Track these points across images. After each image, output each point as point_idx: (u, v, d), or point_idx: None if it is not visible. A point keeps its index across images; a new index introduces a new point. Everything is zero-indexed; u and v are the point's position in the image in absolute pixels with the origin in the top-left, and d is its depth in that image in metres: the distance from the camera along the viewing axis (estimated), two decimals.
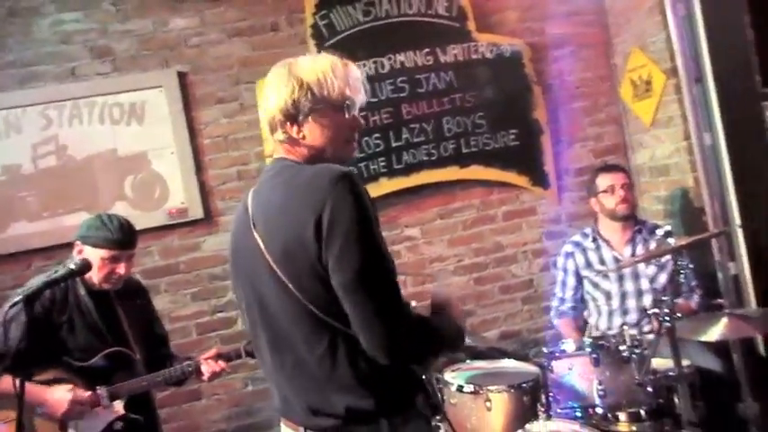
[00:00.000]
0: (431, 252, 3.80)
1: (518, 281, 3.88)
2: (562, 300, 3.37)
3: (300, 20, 3.63)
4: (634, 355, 2.41)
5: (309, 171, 1.52)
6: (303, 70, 1.61)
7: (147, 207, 3.49)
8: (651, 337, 2.43)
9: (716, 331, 2.43)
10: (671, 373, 2.39)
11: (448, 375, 2.99)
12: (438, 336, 1.61)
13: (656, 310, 2.33)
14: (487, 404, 2.79)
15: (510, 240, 3.87)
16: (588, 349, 2.53)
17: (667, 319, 2.28)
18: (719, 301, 3.11)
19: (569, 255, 3.36)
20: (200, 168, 3.55)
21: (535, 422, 2.60)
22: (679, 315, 2.34)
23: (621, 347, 2.45)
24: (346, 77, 1.64)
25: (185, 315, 3.54)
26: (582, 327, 3.37)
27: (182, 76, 3.53)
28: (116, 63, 3.48)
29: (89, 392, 2.38)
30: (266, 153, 3.51)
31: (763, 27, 3.37)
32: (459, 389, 2.87)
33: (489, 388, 2.80)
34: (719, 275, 3.31)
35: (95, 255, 2.39)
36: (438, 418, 1.69)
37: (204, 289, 3.56)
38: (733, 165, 3.28)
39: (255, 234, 1.54)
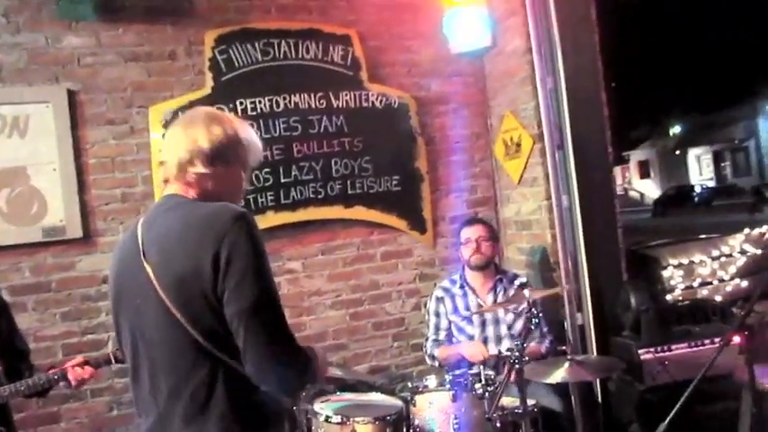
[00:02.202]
0: (310, 286, 3.94)
1: (390, 318, 4.10)
2: (436, 340, 3.57)
3: (199, 51, 3.72)
4: (487, 393, 2.65)
5: (209, 207, 1.63)
6: (240, 128, 1.76)
7: (22, 222, 3.41)
8: (502, 377, 2.68)
9: (558, 374, 2.74)
10: (517, 411, 2.65)
11: (317, 406, 3.10)
12: (312, 366, 1.71)
13: (508, 354, 2.59)
14: None
15: (386, 279, 4.09)
16: (448, 386, 2.75)
17: (516, 361, 2.54)
18: (563, 347, 3.46)
19: (440, 299, 3.60)
20: (82, 187, 3.51)
21: None
22: (527, 359, 2.61)
23: (477, 385, 2.69)
24: (258, 150, 1.82)
25: (52, 335, 3.45)
26: None
27: (71, 94, 3.50)
28: (2, 74, 3.41)
29: None
30: (156, 179, 3.53)
31: (617, 102, 3.84)
32: (327, 419, 2.98)
33: (356, 419, 2.94)
34: (567, 325, 3.67)
35: None
36: None
37: (75, 309, 3.50)
38: (584, 226, 3.66)
39: (145, 264, 1.61)
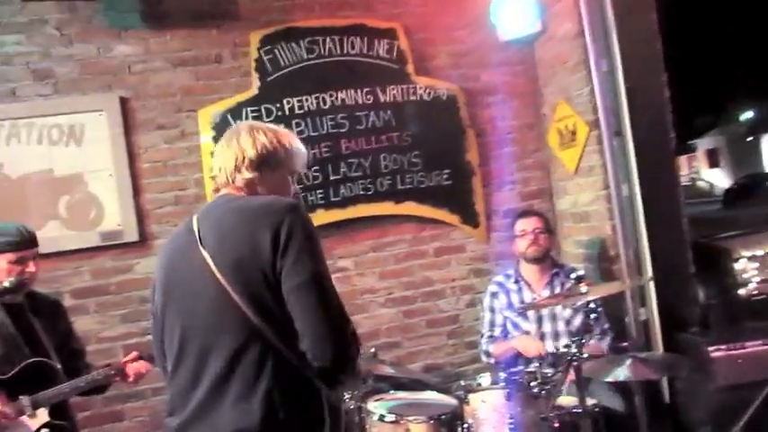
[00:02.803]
0: (362, 284, 3.90)
1: (444, 315, 4.02)
2: (491, 337, 3.49)
3: (244, 53, 3.74)
4: (543, 392, 2.55)
5: (263, 199, 1.77)
6: (282, 135, 1.88)
7: (81, 227, 3.50)
8: (559, 375, 2.57)
9: (619, 372, 2.61)
10: (576, 411, 2.54)
11: (370, 405, 3.07)
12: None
13: (565, 351, 2.48)
14: None
15: (439, 276, 4.01)
16: (502, 384, 2.66)
17: (574, 359, 2.43)
18: (625, 344, 3.30)
19: (494, 294, 3.52)
20: (137, 192, 3.58)
21: None
22: (586, 356, 2.49)
23: (532, 383, 2.59)
24: (304, 159, 1.94)
25: (112, 336, 3.53)
26: None
27: (123, 101, 3.57)
28: (57, 85, 3.51)
29: (12, 403, 2.38)
30: (207, 181, 3.56)
31: (679, 87, 3.64)
32: (381, 418, 2.95)
33: (409, 418, 2.90)
34: (629, 321, 3.50)
35: (2, 261, 2.44)
36: None
37: (134, 311, 3.56)
38: (647, 216, 3.49)
39: (203, 250, 1.68)
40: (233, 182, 1.81)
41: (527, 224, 3.45)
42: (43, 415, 2.43)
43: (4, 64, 3.43)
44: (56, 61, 3.51)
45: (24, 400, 2.41)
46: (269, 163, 1.82)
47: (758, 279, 3.73)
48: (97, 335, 3.49)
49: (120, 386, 2.86)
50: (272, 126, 1.91)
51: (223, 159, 1.83)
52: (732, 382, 2.94)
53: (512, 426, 2.54)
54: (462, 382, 2.81)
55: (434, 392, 3.33)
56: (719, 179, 34.97)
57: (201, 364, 1.67)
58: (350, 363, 1.65)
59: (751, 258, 3.77)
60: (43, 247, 3.33)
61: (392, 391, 3.35)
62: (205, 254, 1.67)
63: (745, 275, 3.74)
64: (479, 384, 2.76)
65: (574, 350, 2.41)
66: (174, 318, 1.74)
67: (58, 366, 2.52)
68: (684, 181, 27.27)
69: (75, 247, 3.49)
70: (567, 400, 2.73)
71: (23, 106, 3.44)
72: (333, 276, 3.75)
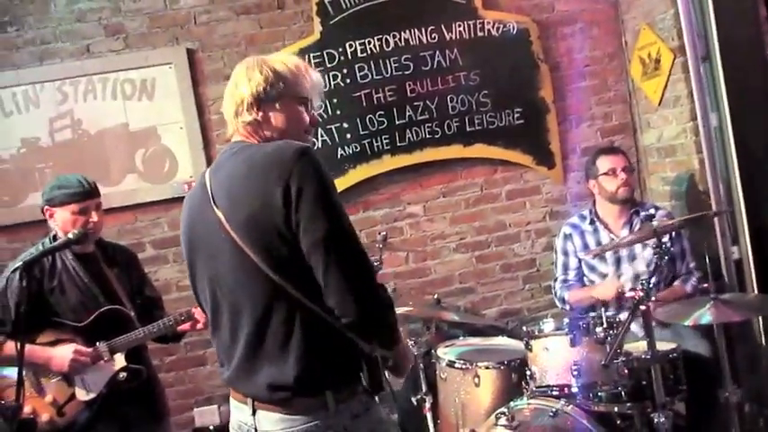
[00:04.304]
0: (433, 229, 3.83)
1: (520, 260, 3.89)
2: (565, 281, 3.35)
3: None
4: (609, 337, 2.41)
5: (271, 146, 1.62)
6: (277, 63, 1.73)
7: (157, 180, 3.62)
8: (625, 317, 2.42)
9: (698, 315, 2.43)
10: (645, 357, 2.40)
11: (440, 351, 3.05)
12: (394, 315, 1.66)
13: (632, 294, 2.33)
14: (476, 380, 2.85)
15: (513, 219, 3.87)
16: (566, 329, 2.54)
17: (641, 302, 2.28)
18: (705, 285, 3.06)
19: (568, 237, 3.35)
20: (207, 143, 3.65)
21: (519, 399, 2.65)
22: (654, 298, 2.33)
23: (598, 329, 2.46)
24: (311, 79, 1.77)
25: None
26: None
27: (190, 53, 3.62)
28: (128, 40, 3.59)
29: (90, 348, 2.51)
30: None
31: None
32: (450, 364, 2.93)
33: (478, 364, 2.86)
34: (721, 260, 3.25)
35: (66, 212, 2.50)
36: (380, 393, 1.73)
37: None
38: (738, 147, 3.19)
39: (216, 209, 1.62)
40: (238, 128, 1.73)
41: (615, 162, 3.20)
42: (120, 359, 2.54)
43: (77, 21, 3.54)
44: (125, 16, 3.58)
45: (101, 345, 2.52)
46: (268, 98, 1.69)
47: None
48: (177, 283, 3.63)
49: (204, 332, 2.95)
50: (275, 57, 1.77)
51: (226, 105, 1.74)
52: None
53: (576, 373, 2.44)
54: (525, 328, 2.70)
55: (506, 338, 3.28)
56: None
57: (234, 323, 1.66)
58: (378, 317, 1.61)
59: None
60: (123, 200, 3.56)
61: (463, 337, 3.32)
62: (219, 213, 1.62)
63: None
64: (541, 330, 2.64)
65: (641, 293, 2.25)
66: (203, 278, 1.72)
67: (132, 314, 2.61)
68: None
69: (153, 199, 3.61)
70: (639, 345, 2.58)
71: (97, 62, 3.55)
72: (403, 222, 3.80)
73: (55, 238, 2.55)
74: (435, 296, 3.24)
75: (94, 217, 2.53)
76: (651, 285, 2.32)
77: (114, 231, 3.49)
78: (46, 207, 2.54)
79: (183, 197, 3.50)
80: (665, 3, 3.38)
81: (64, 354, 2.46)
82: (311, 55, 3.61)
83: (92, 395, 2.50)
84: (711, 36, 3.21)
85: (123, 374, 2.55)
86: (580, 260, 3.28)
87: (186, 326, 2.66)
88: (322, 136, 3.64)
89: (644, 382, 2.46)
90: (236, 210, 1.59)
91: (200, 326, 2.68)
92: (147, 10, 3.60)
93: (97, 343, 2.52)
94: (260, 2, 3.67)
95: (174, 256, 3.65)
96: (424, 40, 3.69)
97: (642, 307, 2.26)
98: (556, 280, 3.39)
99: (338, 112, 3.66)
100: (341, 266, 1.53)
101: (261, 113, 1.69)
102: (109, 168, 3.56)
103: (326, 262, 1.52)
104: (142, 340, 2.62)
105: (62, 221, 2.51)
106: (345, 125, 3.66)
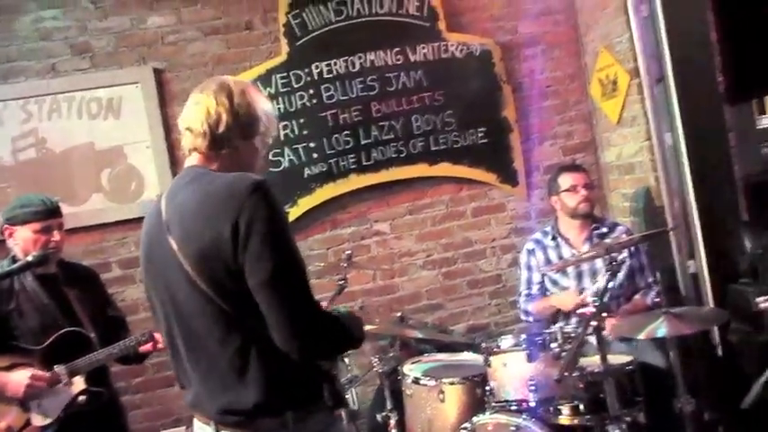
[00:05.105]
0: (400, 247, 3.88)
1: (486, 276, 3.96)
2: (529, 295, 3.41)
3: (274, 18, 3.72)
4: (564, 352, 2.47)
5: (226, 178, 1.61)
6: (257, 101, 1.73)
7: (124, 199, 3.61)
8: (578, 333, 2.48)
9: (652, 329, 2.50)
10: (597, 371, 2.46)
11: (406, 368, 3.07)
12: (346, 334, 1.68)
13: (584, 310, 2.40)
14: (441, 396, 2.88)
15: (479, 236, 3.95)
16: (523, 345, 2.60)
17: (594, 316, 2.35)
18: (657, 300, 3.16)
19: (531, 252, 3.42)
20: (174, 163, 3.64)
21: (482, 415, 2.69)
22: (606, 314, 2.40)
23: (553, 344, 2.52)
24: (268, 109, 1.77)
25: None
26: None
27: (158, 73, 3.63)
28: (94, 59, 3.60)
29: (48, 372, 2.46)
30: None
31: (727, 27, 3.39)
32: (416, 380, 2.96)
33: (443, 380, 2.89)
34: (678, 273, 3.36)
35: (28, 231, 2.49)
36: (341, 409, 1.75)
37: None
38: (692, 165, 3.31)
39: (170, 239, 1.61)
40: (200, 150, 1.69)
41: (577, 179, 3.29)
42: (80, 382, 2.50)
43: (43, 39, 3.54)
44: (92, 35, 3.59)
45: (60, 368, 2.47)
46: (242, 134, 1.68)
47: None
48: (144, 303, 3.59)
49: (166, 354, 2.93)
50: (254, 93, 1.74)
51: (193, 121, 1.68)
52: None
53: (533, 388, 2.49)
54: (484, 344, 2.75)
55: (472, 353, 3.31)
56: None
57: (191, 350, 1.66)
58: (320, 351, 1.63)
59: None
60: (88, 219, 3.53)
61: (428, 354, 3.35)
62: (172, 242, 1.60)
63: None
64: (499, 347, 2.69)
65: (594, 307, 2.32)
66: (159, 305, 1.72)
67: (93, 335, 2.57)
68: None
69: (119, 218, 3.60)
70: (595, 359, 2.64)
71: (63, 81, 3.54)
72: (370, 240, 3.83)
73: (14, 259, 2.51)
74: (399, 314, 3.27)
75: (56, 236, 2.52)
76: (604, 301, 2.39)
77: (80, 251, 3.46)
78: (6, 226, 2.52)
79: None
80: (621, 27, 3.51)
81: (19, 379, 2.41)
82: (278, 75, 3.67)
83: (48, 420, 2.45)
84: (664, 59, 3.33)
85: (83, 398, 2.51)
86: (543, 275, 3.36)
87: (148, 346, 2.63)
88: (289, 156, 3.68)
89: (601, 395, 2.51)
90: (188, 241, 1.58)
91: (161, 346, 2.64)
92: (115, 29, 3.62)
93: (55, 366, 2.48)
94: (228, 22, 3.71)
95: (141, 276, 3.62)
96: (390, 62, 3.76)
97: (594, 322, 2.33)
98: (520, 294, 3.46)
99: (305, 132, 3.70)
100: (283, 307, 1.53)
101: (228, 146, 1.68)
102: (74, 188, 3.54)
103: (269, 303, 1.53)
104: (103, 362, 2.58)
105: (23, 240, 2.49)
106: (312, 145, 3.70)
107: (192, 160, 1.72)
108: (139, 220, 3.46)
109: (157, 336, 2.58)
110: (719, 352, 3.33)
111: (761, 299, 2.83)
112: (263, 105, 1.74)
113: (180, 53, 3.68)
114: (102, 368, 2.65)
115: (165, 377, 3.63)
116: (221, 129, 1.66)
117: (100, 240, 3.59)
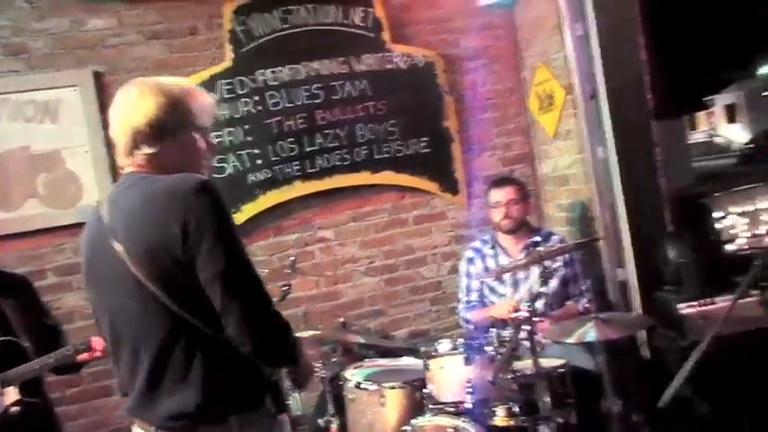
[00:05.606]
0: (344, 253, 3.93)
1: (427, 282, 4.04)
2: (468, 302, 3.50)
3: (219, 24, 3.70)
4: (499, 355, 2.57)
5: (169, 179, 1.61)
6: (174, 88, 1.70)
7: (61, 205, 3.52)
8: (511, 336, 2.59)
9: (580, 333, 2.62)
10: (529, 373, 2.57)
11: (348, 373, 3.12)
12: (293, 337, 1.71)
13: (516, 315, 2.51)
14: (382, 400, 2.94)
15: (420, 244, 4.03)
16: (460, 349, 2.69)
17: (524, 321, 2.46)
18: (587, 306, 3.32)
19: (470, 260, 3.52)
20: (114, 167, 3.56)
21: (421, 417, 2.77)
22: (538, 319, 2.52)
23: (488, 348, 2.62)
24: (205, 103, 1.75)
25: None
26: None
27: (98, 76, 3.56)
28: (30, 61, 3.50)
29: None
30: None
31: (657, 48, 3.58)
32: (357, 385, 3.01)
33: (384, 384, 2.95)
34: (606, 281, 3.51)
35: None
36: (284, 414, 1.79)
37: None
38: (622, 178, 3.46)
39: (114, 243, 1.61)
40: (133, 159, 1.67)
41: (500, 195, 3.39)
42: (13, 393, 2.44)
43: None
44: (28, 36, 3.49)
45: None
46: (167, 129, 1.65)
47: (747, 235, 3.68)
48: (81, 311, 3.52)
49: (108, 361, 2.88)
50: (169, 82, 1.70)
51: (117, 131, 1.67)
52: (702, 338, 2.94)
53: (470, 390, 2.58)
54: (423, 348, 2.83)
55: (413, 358, 3.39)
56: (738, 134, 34.28)
57: (135, 354, 1.66)
58: (274, 344, 1.64)
59: (742, 214, 3.72)
60: (23, 226, 3.43)
61: (369, 359, 3.41)
62: (117, 246, 1.60)
63: (732, 231, 3.70)
64: (436, 350, 2.78)
65: (526, 313, 2.43)
66: (102, 309, 1.72)
67: (26, 345, 2.52)
68: (702, 137, 26.96)
69: (56, 224, 3.50)
70: (529, 362, 2.75)
71: None
72: (314, 247, 3.86)
73: None
74: (341, 320, 3.32)
75: None
76: (536, 307, 2.50)
77: (15, 258, 3.37)
78: None
79: None
80: (557, 44, 3.65)
81: None
82: (223, 82, 3.66)
83: None
84: (597, 76, 3.48)
85: (15, 409, 2.44)
86: (481, 282, 3.46)
87: (85, 355, 2.58)
88: (233, 162, 3.67)
89: (534, 397, 2.63)
90: (134, 243, 1.58)
91: (98, 354, 2.60)
92: (53, 30, 3.52)
93: None
94: (171, 27, 3.67)
95: (78, 283, 3.54)
96: (335, 71, 3.81)
97: (526, 327, 2.44)
98: (459, 301, 3.55)
99: (249, 139, 3.70)
100: (237, 299, 1.55)
101: (159, 145, 1.65)
102: (8, 193, 3.44)
103: (223, 295, 1.55)
104: (38, 372, 2.52)
105: None
106: (256, 151, 3.71)
107: (128, 168, 1.71)
108: (78, 225, 3.49)
109: (95, 344, 2.54)
110: (646, 355, 3.50)
111: (683, 305, 3.01)
112: (184, 89, 1.70)
113: (121, 57, 3.61)
114: (37, 378, 2.58)
115: (102, 386, 3.57)
116: (145, 130, 1.63)
117: (36, 247, 3.49)
